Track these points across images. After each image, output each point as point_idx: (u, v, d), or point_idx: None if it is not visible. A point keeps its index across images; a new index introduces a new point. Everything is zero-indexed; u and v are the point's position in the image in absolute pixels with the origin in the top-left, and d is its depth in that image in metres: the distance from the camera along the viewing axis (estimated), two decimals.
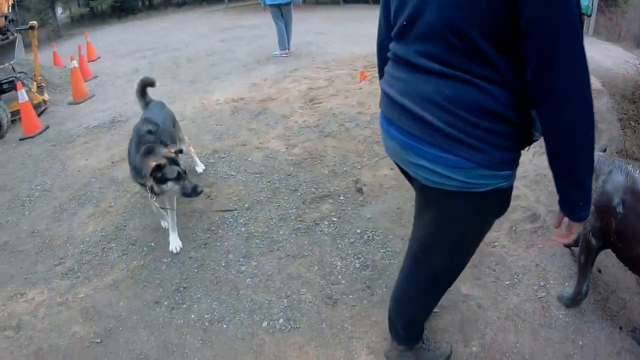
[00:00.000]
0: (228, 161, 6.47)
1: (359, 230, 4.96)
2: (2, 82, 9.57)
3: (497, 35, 1.92)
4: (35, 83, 10.21)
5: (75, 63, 10.62)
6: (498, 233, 4.92)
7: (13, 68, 10.25)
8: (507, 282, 4.31)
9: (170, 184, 4.36)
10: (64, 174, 6.69)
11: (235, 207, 5.40)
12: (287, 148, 6.73)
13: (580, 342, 3.66)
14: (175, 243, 4.82)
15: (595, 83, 9.04)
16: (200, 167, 6.16)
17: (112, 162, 6.78)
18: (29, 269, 4.81)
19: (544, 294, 4.16)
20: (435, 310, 3.86)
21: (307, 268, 4.47)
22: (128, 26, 24.77)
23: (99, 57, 14.73)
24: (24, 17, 22.31)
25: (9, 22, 10.11)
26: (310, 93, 8.91)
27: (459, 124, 2.03)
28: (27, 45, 11.72)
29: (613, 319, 3.87)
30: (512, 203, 5.04)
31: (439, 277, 2.85)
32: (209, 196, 5.67)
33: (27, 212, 5.83)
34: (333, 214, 5.25)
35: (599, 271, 4.33)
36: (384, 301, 4.04)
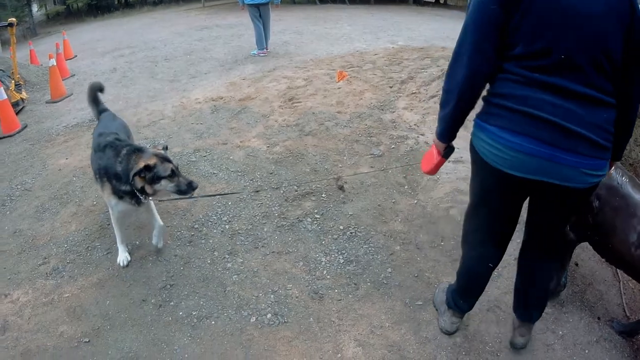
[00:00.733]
0: (210, 160, 6.49)
1: (341, 227, 5.05)
2: None
3: (622, 55, 2.49)
4: (13, 81, 10.15)
5: (53, 61, 10.54)
6: None
7: None
8: None
9: (164, 182, 4.06)
10: (45, 173, 6.64)
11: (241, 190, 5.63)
12: (268, 147, 6.78)
13: (560, 332, 3.80)
14: (156, 239, 4.72)
15: None
16: None
17: None
18: (13, 269, 4.76)
19: None
20: (419, 302, 4.06)
21: (293, 264, 4.54)
22: (105, 24, 24.62)
23: (76, 56, 14.61)
24: (0, 15, 22.14)
25: None
26: (289, 92, 8.97)
27: (609, 137, 2.57)
28: (4, 43, 11.63)
29: (591, 310, 4.02)
30: None
31: None
32: (192, 194, 5.68)
33: (8, 212, 5.78)
34: (316, 211, 5.33)
35: (577, 264, 4.47)
36: (368, 295, 4.16)
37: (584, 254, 4.52)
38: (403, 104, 8.12)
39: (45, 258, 4.83)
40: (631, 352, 3.80)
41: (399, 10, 24.34)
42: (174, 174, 4.08)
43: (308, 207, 5.40)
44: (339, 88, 8.97)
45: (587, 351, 3.73)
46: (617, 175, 3.44)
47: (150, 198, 4.22)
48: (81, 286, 4.40)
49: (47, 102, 10.28)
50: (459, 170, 6.04)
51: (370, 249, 4.75)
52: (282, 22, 17.86)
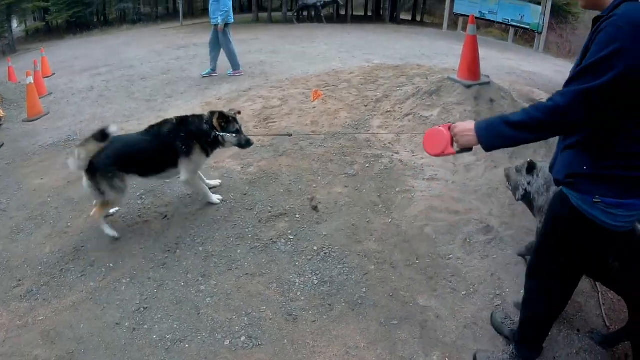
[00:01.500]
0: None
1: (315, 247, 5.06)
2: None
3: None
4: None
5: (31, 79, 10.52)
6: (452, 246, 5.10)
7: None
8: (463, 293, 4.48)
9: (229, 136, 5.50)
10: (20, 193, 6.62)
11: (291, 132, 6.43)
12: (242, 167, 6.80)
13: None
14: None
15: (545, 98, 9.25)
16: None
17: (68, 182, 6.72)
18: None
19: (500, 302, 4.35)
20: (394, 322, 4.10)
21: (266, 286, 4.55)
22: (83, 41, 24.54)
23: (54, 73, 14.55)
24: None
25: None
26: (264, 112, 8.98)
27: None
28: None
29: (570, 322, 4.08)
30: (465, 216, 5.23)
31: None
32: (166, 216, 5.70)
33: None
34: (289, 231, 5.34)
35: None
36: (343, 316, 4.18)
37: None
38: (378, 122, 8.16)
39: (20, 280, 4.82)
40: None
41: (376, 28, 24.49)
42: (238, 131, 5.57)
43: (282, 228, 5.41)
44: (314, 107, 9.01)
45: None
46: None
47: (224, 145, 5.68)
48: (55, 309, 4.38)
49: (23, 121, 10.23)
50: (433, 188, 6.08)
51: (344, 269, 4.77)
52: (258, 41, 17.89)
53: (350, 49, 15.98)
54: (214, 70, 12.79)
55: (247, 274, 4.72)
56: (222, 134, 5.45)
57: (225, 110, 5.65)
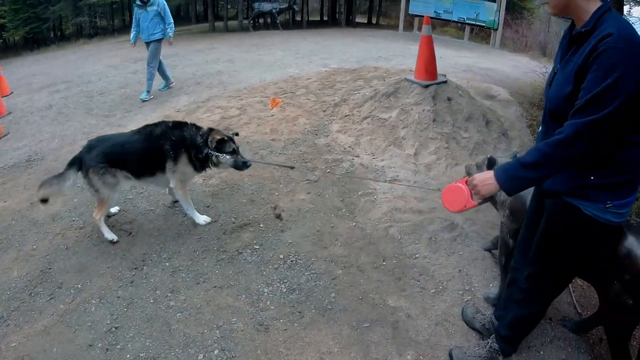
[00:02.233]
0: (146, 196, 6.48)
1: (281, 256, 5.11)
2: None
3: None
4: None
5: None
6: (418, 245, 5.19)
7: None
8: (432, 291, 4.56)
9: (226, 156, 5.37)
10: None
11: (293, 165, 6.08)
12: (203, 179, 6.79)
13: None
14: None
15: (503, 93, 9.37)
16: None
17: (31, 203, 6.61)
18: None
19: (470, 297, 4.45)
20: (365, 325, 4.15)
21: (235, 297, 4.56)
22: (41, 58, 24.15)
23: (12, 92, 14.30)
24: None
25: None
26: (223, 122, 8.99)
27: None
28: None
29: None
30: (429, 215, 5.31)
31: None
32: (130, 233, 5.67)
33: None
34: (255, 241, 5.37)
35: None
36: (314, 322, 4.23)
37: None
38: (337, 127, 8.23)
39: None
40: (587, 347, 3.99)
41: (332, 33, 24.50)
42: (235, 152, 5.43)
43: (247, 238, 5.44)
44: (273, 115, 9.05)
45: (541, 352, 3.88)
46: None
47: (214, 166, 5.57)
48: (27, 334, 4.32)
49: None
50: (395, 189, 6.16)
51: (312, 275, 4.82)
52: (215, 50, 17.81)
53: (307, 55, 16.02)
54: (167, 83, 12.62)
55: (215, 286, 4.73)
56: (215, 153, 5.34)
57: (221, 129, 5.70)
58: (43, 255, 5.42)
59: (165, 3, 11.59)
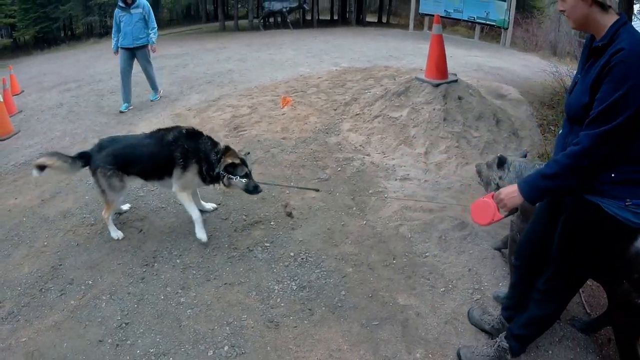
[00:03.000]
0: (157, 194, 6.48)
1: (292, 253, 5.11)
2: None
3: None
4: None
5: (0, 97, 10.41)
6: (428, 244, 5.17)
7: None
8: (442, 289, 4.54)
9: (238, 179, 5.19)
10: None
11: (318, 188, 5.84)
12: None
13: None
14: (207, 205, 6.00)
15: (514, 92, 9.33)
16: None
17: (42, 200, 6.66)
18: None
19: (479, 296, 4.42)
20: (375, 322, 4.14)
21: (246, 294, 4.56)
22: (51, 57, 24.19)
23: (23, 91, 14.32)
24: None
25: None
26: (234, 121, 9.00)
27: None
28: None
29: None
30: (439, 214, 5.29)
31: None
32: (142, 230, 5.68)
33: None
34: (265, 239, 5.37)
35: None
36: (324, 319, 4.22)
37: None
38: (347, 125, 8.22)
39: (1, 302, 4.74)
40: (595, 347, 3.96)
41: (342, 32, 24.48)
42: (247, 175, 5.26)
43: (258, 236, 5.44)
44: (284, 114, 9.06)
45: (550, 352, 3.86)
46: None
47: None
48: (37, 329, 4.32)
49: None
50: (406, 188, 6.15)
51: (322, 273, 4.82)
52: (225, 49, 17.80)
53: (318, 54, 16.00)
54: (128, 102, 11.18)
55: (225, 283, 4.73)
56: (229, 176, 5.21)
57: (236, 149, 5.47)
58: (54, 251, 5.43)
59: (150, 7, 10.88)
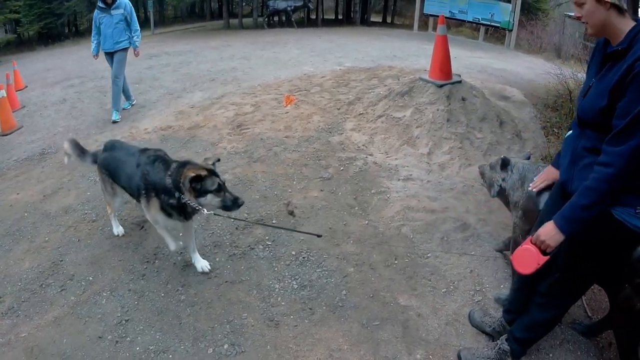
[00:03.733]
0: None
1: (293, 252, 5.10)
2: None
3: None
4: None
5: (3, 93, 10.34)
6: (430, 245, 5.16)
7: None
8: (443, 290, 4.54)
9: (210, 196, 4.15)
10: None
11: (321, 233, 5.12)
12: None
13: None
14: (200, 263, 4.88)
15: (517, 94, 9.33)
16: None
17: (44, 195, 6.68)
18: None
19: (480, 298, 4.42)
20: (376, 323, 4.15)
21: (246, 292, 4.56)
22: (55, 53, 24.18)
23: (27, 86, 14.31)
24: None
25: None
26: (237, 119, 8.98)
27: None
28: None
29: None
30: (442, 214, 5.28)
31: None
32: (143, 227, 5.70)
33: None
34: (267, 237, 5.36)
35: None
36: (324, 319, 4.22)
37: None
38: (351, 125, 8.21)
39: (1, 297, 4.76)
40: (596, 351, 3.95)
41: (347, 31, 24.45)
42: (220, 188, 4.16)
43: (259, 234, 5.43)
44: (287, 112, 9.04)
45: (551, 355, 3.86)
46: None
47: (199, 211, 4.24)
48: (37, 325, 4.34)
49: None
50: (408, 188, 6.14)
51: (323, 272, 4.81)
52: (229, 47, 17.76)
53: (322, 53, 15.98)
54: (131, 101, 11.00)
55: (226, 281, 4.73)
56: (192, 200, 4.17)
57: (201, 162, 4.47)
58: (55, 247, 5.45)
59: (132, 7, 10.12)
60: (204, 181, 4.09)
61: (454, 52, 8.39)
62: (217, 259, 5.06)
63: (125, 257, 5.17)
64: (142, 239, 5.45)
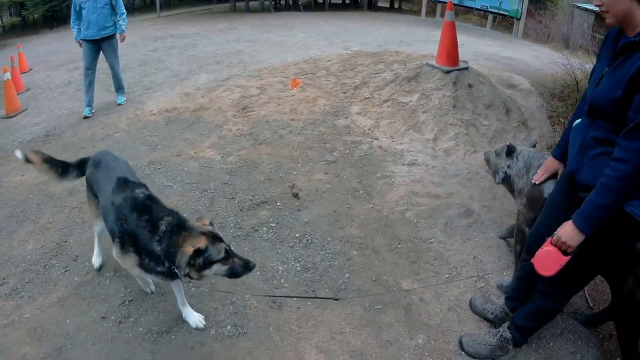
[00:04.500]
0: (164, 172, 6.50)
1: (297, 234, 5.11)
2: None
3: None
4: None
5: (8, 75, 10.35)
6: (434, 230, 5.15)
7: None
8: (446, 276, 4.55)
9: (215, 267, 3.40)
10: (0, 190, 6.56)
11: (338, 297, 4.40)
12: (222, 157, 6.82)
13: None
14: (193, 318, 4.05)
15: (524, 83, 9.29)
16: None
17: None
18: None
19: (483, 284, 4.42)
20: (378, 306, 4.16)
21: (250, 274, 4.53)
22: (60, 35, 24.11)
23: (31, 69, 14.30)
24: None
25: None
26: (243, 101, 8.98)
27: None
28: None
29: None
30: (446, 200, 5.26)
31: None
32: None
33: None
34: (271, 219, 5.37)
35: None
36: (327, 301, 4.20)
37: None
38: (356, 109, 8.20)
39: (4, 278, 4.77)
40: (597, 341, 3.94)
41: (354, 16, 24.34)
42: (228, 255, 3.42)
43: (263, 216, 5.44)
44: (293, 95, 9.03)
45: (551, 344, 3.85)
46: None
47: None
48: (41, 306, 4.35)
49: (1, 117, 10.08)
50: (413, 173, 6.13)
51: (327, 255, 4.82)
52: (236, 30, 17.69)
53: (329, 37, 15.91)
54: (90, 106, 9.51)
55: None
56: (192, 274, 3.38)
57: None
58: (59, 228, 5.46)
59: None
60: (207, 252, 3.32)
61: (461, 39, 8.37)
62: None
63: None
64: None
